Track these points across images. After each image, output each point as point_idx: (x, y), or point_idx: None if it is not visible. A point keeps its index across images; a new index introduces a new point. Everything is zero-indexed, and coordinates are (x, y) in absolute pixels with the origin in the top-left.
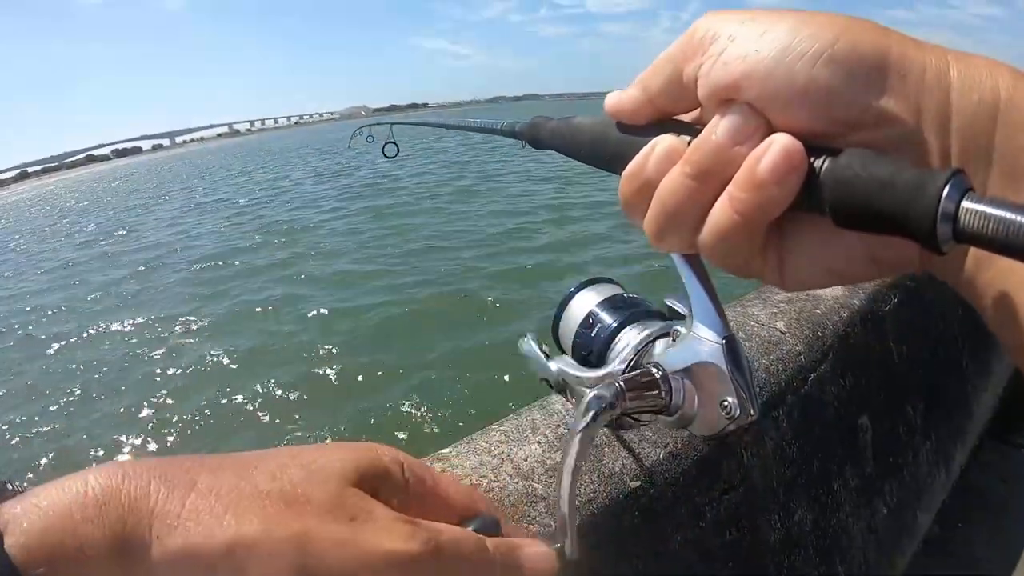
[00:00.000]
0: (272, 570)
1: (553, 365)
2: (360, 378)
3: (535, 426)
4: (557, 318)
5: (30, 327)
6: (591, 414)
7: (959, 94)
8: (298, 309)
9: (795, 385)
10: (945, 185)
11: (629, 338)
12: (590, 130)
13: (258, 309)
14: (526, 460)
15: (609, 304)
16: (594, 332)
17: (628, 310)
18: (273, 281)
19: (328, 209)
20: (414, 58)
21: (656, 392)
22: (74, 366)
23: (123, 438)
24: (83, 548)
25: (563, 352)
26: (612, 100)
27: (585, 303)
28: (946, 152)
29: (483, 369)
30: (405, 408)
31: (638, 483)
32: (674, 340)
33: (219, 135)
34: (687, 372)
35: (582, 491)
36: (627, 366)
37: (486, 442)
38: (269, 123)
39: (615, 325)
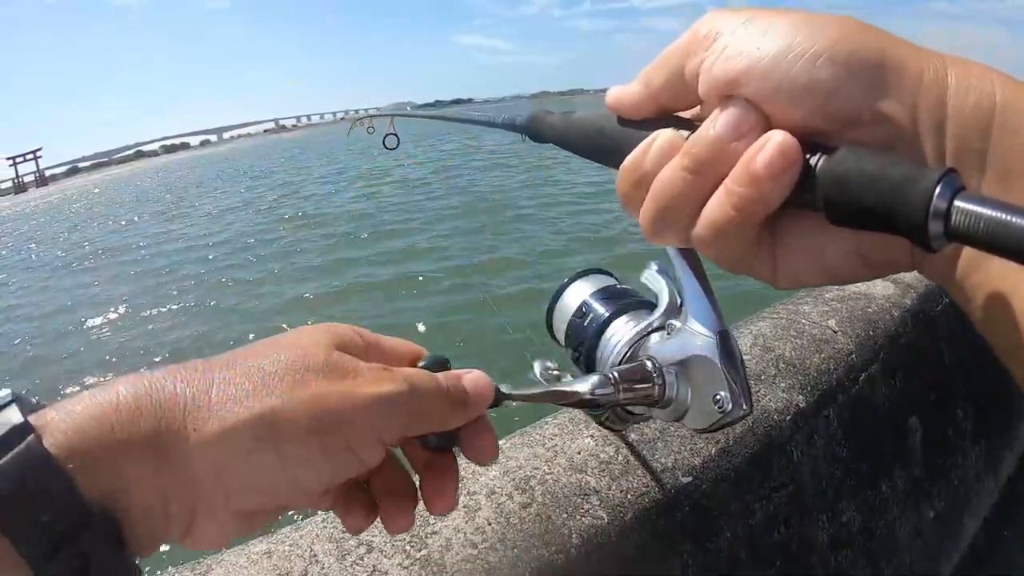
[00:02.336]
0: (296, 429)
1: (538, 366)
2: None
3: (588, 420)
4: (551, 308)
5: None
6: (583, 396)
7: (955, 97)
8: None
9: (846, 384)
10: (938, 183)
11: (621, 328)
12: (590, 124)
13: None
14: (579, 453)
15: (602, 294)
16: (586, 322)
17: (620, 300)
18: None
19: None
20: (456, 54)
21: (649, 384)
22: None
23: None
24: (120, 446)
25: (557, 341)
26: (614, 94)
27: (579, 293)
28: (941, 153)
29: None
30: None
31: (690, 479)
32: (669, 333)
33: (265, 131)
34: (681, 365)
35: (633, 486)
36: (622, 359)
37: (540, 435)
38: (315, 118)
39: (607, 315)
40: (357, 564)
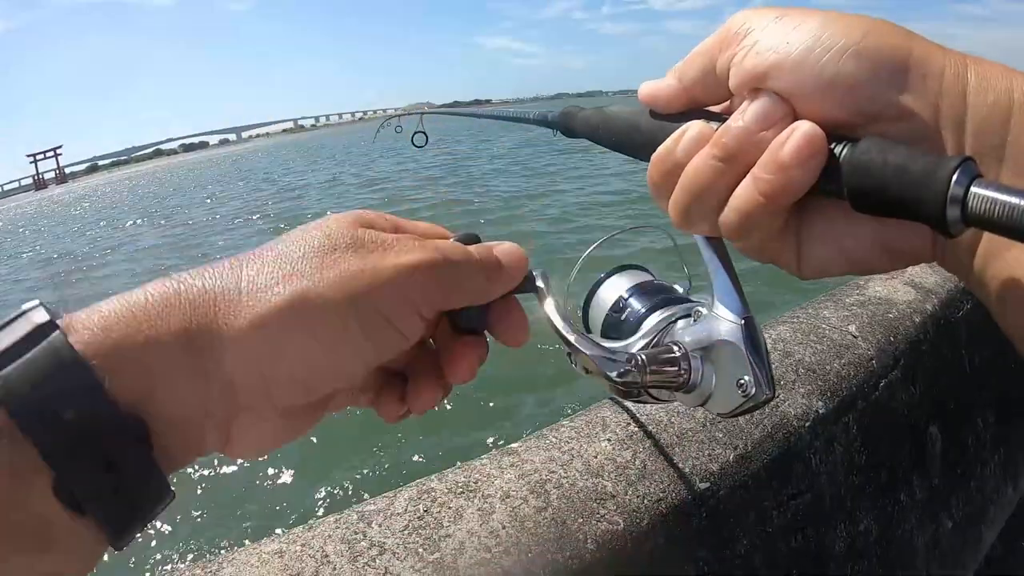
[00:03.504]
0: (329, 308)
1: (572, 337)
2: None
3: (605, 423)
4: (587, 303)
5: None
6: (608, 375)
7: (975, 95)
8: None
9: (866, 391)
10: (955, 171)
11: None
12: (623, 118)
13: None
14: (596, 457)
15: (639, 290)
16: (623, 316)
17: (658, 296)
18: None
19: None
20: (476, 56)
21: (676, 369)
22: None
23: None
24: (148, 340)
25: (588, 329)
26: (647, 88)
27: (615, 288)
28: (960, 148)
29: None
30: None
31: (707, 485)
32: (695, 320)
33: (284, 130)
34: (706, 351)
35: (650, 491)
36: (648, 342)
37: (556, 437)
38: (333, 119)
39: (644, 311)
40: (369, 565)
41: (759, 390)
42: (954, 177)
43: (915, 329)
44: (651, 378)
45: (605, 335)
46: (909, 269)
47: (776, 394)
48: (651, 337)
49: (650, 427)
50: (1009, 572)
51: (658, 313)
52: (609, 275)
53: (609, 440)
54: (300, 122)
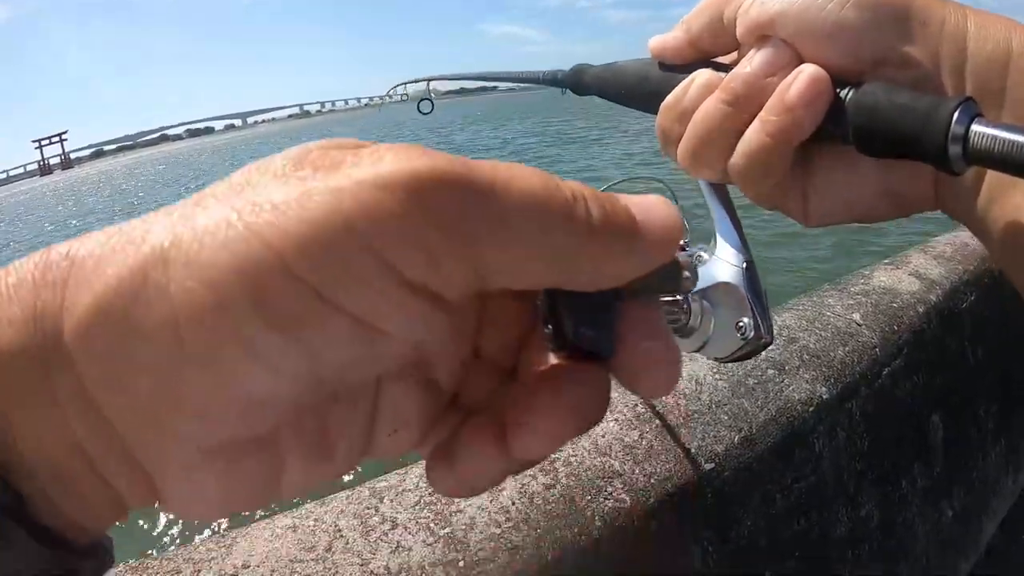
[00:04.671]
0: (189, 276)
1: None
2: None
3: (613, 403)
4: None
5: None
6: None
7: (975, 42)
8: None
9: (869, 378)
10: (955, 110)
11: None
12: (633, 72)
13: None
14: (604, 436)
15: None
16: None
17: None
18: None
19: None
20: (482, 43)
21: (676, 310)
22: None
23: None
24: None
25: None
26: (656, 41)
27: None
28: (961, 93)
29: None
30: None
31: (712, 465)
32: (696, 263)
33: (290, 116)
34: (705, 293)
35: (657, 471)
36: None
37: None
38: (340, 104)
39: None
40: (381, 540)
41: (757, 333)
42: (955, 116)
43: (919, 319)
44: None
45: None
46: (914, 260)
47: (773, 339)
48: None
49: (657, 408)
50: (1009, 563)
51: None
52: None
53: (616, 420)
54: (306, 108)
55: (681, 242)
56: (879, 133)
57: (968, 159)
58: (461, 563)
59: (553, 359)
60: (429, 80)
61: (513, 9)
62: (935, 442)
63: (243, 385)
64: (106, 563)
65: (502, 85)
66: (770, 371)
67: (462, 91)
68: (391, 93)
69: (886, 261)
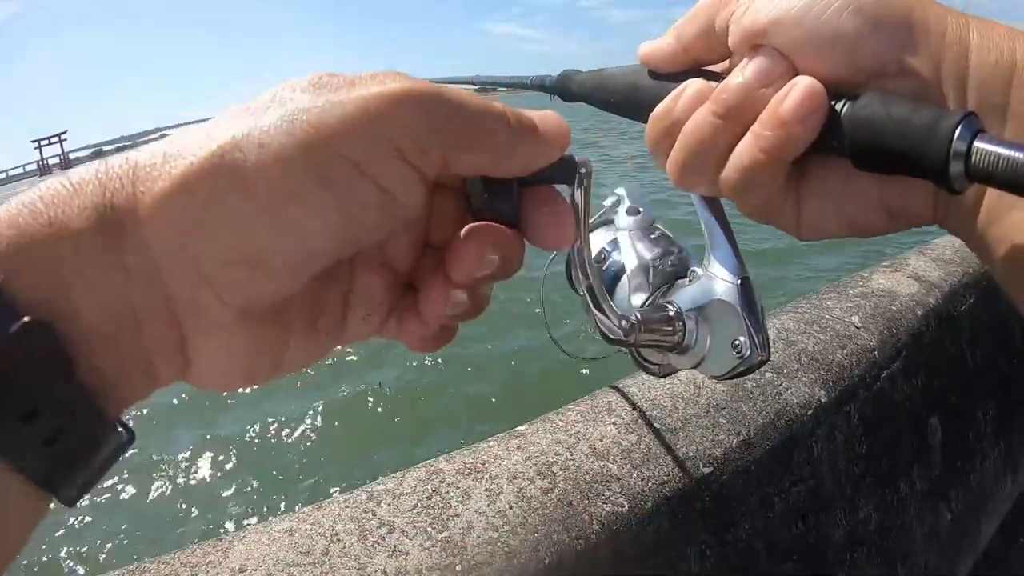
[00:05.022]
0: (267, 155)
1: (590, 278)
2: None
3: (611, 407)
4: (570, 255)
5: None
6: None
7: (977, 53)
8: None
9: (867, 381)
10: (958, 125)
11: (640, 275)
12: (621, 79)
13: None
14: (601, 440)
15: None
16: (605, 266)
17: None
18: None
19: None
20: (484, 43)
21: (670, 328)
22: None
23: None
24: (52, 224)
25: (575, 289)
26: (646, 48)
27: (597, 240)
28: (962, 106)
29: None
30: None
31: (710, 469)
32: (690, 280)
33: None
34: (701, 311)
35: (655, 474)
36: (643, 303)
37: (563, 421)
38: None
39: (623, 261)
40: (378, 544)
41: (754, 351)
42: (957, 131)
43: (917, 322)
44: (645, 336)
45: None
46: (913, 263)
47: (770, 356)
48: (646, 298)
49: (654, 412)
50: (1007, 566)
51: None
52: (592, 229)
53: (615, 424)
54: None
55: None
56: (876, 148)
57: (970, 177)
58: (458, 567)
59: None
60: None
61: (516, 6)
62: (933, 445)
63: (298, 234)
64: (128, 441)
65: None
66: (768, 374)
67: (493, 89)
68: None
69: (885, 263)
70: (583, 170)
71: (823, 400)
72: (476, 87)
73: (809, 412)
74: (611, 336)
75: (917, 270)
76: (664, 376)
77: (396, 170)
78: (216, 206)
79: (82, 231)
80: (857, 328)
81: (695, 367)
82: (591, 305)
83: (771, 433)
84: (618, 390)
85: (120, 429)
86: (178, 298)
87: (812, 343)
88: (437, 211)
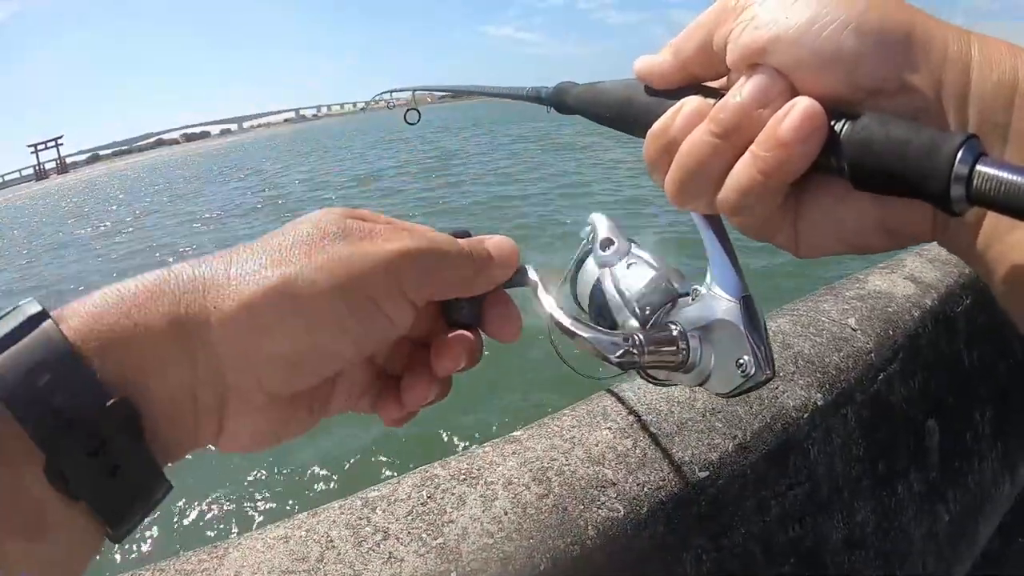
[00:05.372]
0: (317, 291)
1: (569, 323)
2: None
3: (606, 412)
4: (575, 272)
5: None
6: (606, 355)
7: (979, 72)
8: None
9: (864, 383)
10: (959, 148)
11: (644, 296)
12: (617, 93)
13: None
14: (597, 445)
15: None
16: (607, 297)
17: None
18: None
19: None
20: (482, 45)
21: (673, 348)
22: None
23: None
24: (138, 326)
25: (579, 305)
26: (642, 63)
27: (592, 271)
28: (964, 126)
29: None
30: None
31: (706, 473)
32: (693, 299)
33: (286, 120)
34: (704, 330)
35: (650, 479)
36: (646, 323)
37: (558, 426)
38: (335, 108)
39: (614, 295)
40: (373, 551)
41: (759, 370)
42: (959, 154)
43: (914, 323)
44: (649, 358)
45: (592, 303)
46: (909, 264)
47: (776, 373)
48: (649, 318)
49: (650, 416)
50: (1006, 567)
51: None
52: (581, 262)
53: (610, 429)
54: (302, 112)
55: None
56: (876, 169)
57: (971, 200)
58: (453, 574)
59: (447, 331)
60: (415, 89)
61: (514, 8)
62: (931, 447)
63: (331, 346)
64: (168, 491)
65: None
66: None
67: (456, 96)
68: (376, 99)
69: (881, 265)
70: (533, 277)
71: (819, 403)
72: (472, 94)
73: (805, 415)
74: (614, 359)
75: (913, 271)
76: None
77: (400, 304)
78: (275, 323)
79: (161, 332)
80: (854, 330)
81: (700, 385)
82: (589, 330)
83: (767, 436)
84: (614, 395)
85: (166, 480)
86: (231, 385)
87: (808, 346)
88: (418, 321)
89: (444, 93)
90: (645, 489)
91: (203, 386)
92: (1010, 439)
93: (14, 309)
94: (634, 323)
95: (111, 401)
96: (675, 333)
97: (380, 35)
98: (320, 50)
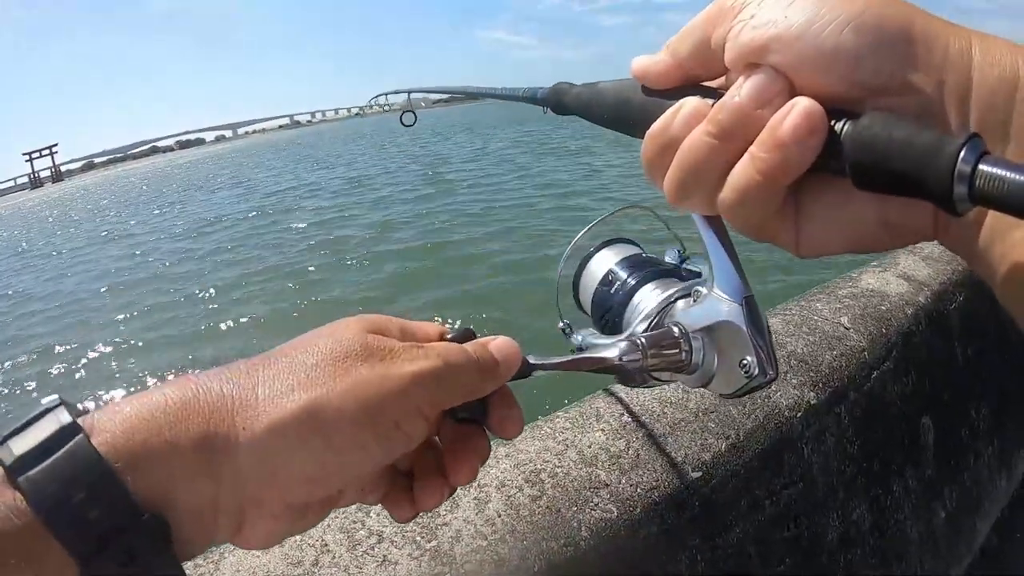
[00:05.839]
0: (343, 417)
1: (578, 338)
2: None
3: (599, 414)
4: (577, 276)
5: None
6: (611, 362)
7: (980, 70)
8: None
9: (858, 382)
10: (962, 147)
11: (647, 296)
12: (615, 94)
13: None
14: (590, 447)
15: (627, 263)
16: (612, 289)
17: (646, 268)
18: None
19: None
20: (474, 50)
21: (676, 351)
22: None
23: None
24: (169, 445)
25: (582, 309)
26: (640, 63)
27: (604, 262)
28: (965, 124)
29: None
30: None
31: (699, 474)
32: (695, 300)
33: (280, 126)
34: (707, 331)
35: (643, 480)
36: (648, 325)
37: (551, 428)
38: (330, 114)
39: (634, 283)
40: (367, 554)
41: (762, 371)
42: (961, 154)
43: (908, 321)
44: (652, 361)
45: (595, 306)
46: (902, 262)
47: (779, 373)
48: (651, 319)
49: (643, 417)
50: (1004, 563)
51: (650, 286)
52: (598, 249)
53: (603, 430)
54: (296, 118)
55: (641, 253)
56: (878, 169)
57: (974, 200)
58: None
59: (452, 430)
60: (410, 92)
61: (506, 12)
62: (926, 444)
63: (353, 466)
64: None
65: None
66: None
67: (451, 99)
68: (371, 103)
69: (874, 263)
70: (535, 362)
71: (813, 402)
72: (468, 96)
73: (799, 414)
74: (621, 364)
75: (906, 269)
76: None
77: (417, 422)
78: (301, 445)
79: (192, 450)
80: (846, 329)
81: (704, 386)
82: (597, 355)
83: (760, 436)
84: (607, 396)
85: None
86: (254, 498)
87: (801, 345)
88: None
89: (438, 98)
90: (638, 490)
91: (227, 497)
92: (1006, 435)
93: (44, 414)
94: (638, 327)
95: (144, 517)
96: (677, 334)
97: (374, 41)
98: (314, 56)
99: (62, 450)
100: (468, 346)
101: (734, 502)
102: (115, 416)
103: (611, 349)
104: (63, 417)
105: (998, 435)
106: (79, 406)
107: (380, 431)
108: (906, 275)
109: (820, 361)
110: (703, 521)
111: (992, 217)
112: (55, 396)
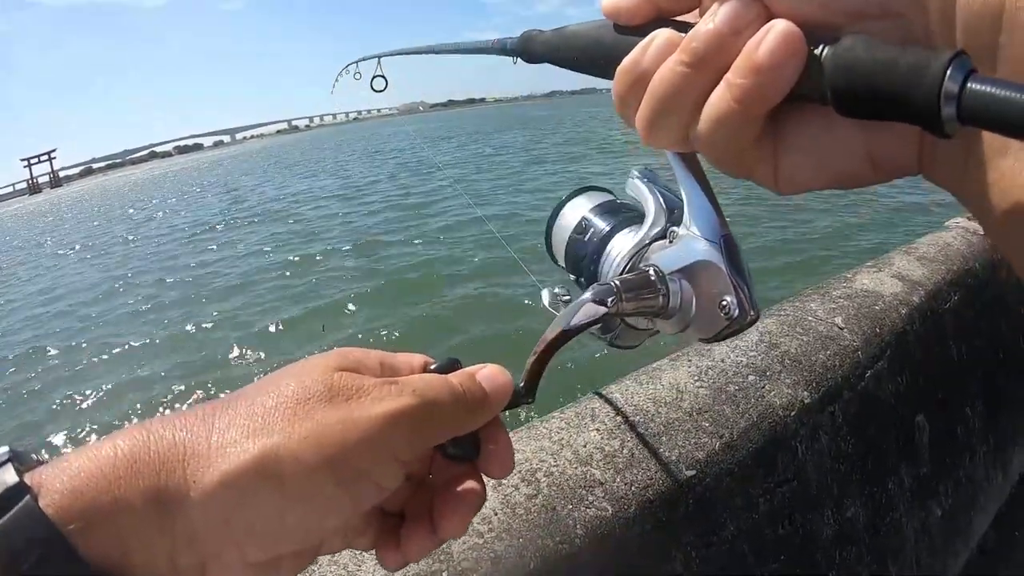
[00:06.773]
0: (300, 466)
1: (546, 295)
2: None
3: (594, 414)
4: (549, 227)
5: None
6: (581, 311)
7: None
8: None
9: (852, 381)
10: (948, 65)
11: (622, 241)
12: (585, 35)
13: None
14: (585, 447)
15: (601, 209)
16: (587, 237)
17: (620, 214)
18: None
19: None
20: (473, 56)
21: (653, 294)
22: None
23: None
24: (118, 502)
25: (556, 261)
26: (610, 1)
27: (577, 210)
28: (951, 47)
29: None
30: None
31: (693, 472)
32: (671, 241)
33: (278, 131)
34: (684, 272)
35: (638, 479)
36: (624, 269)
37: (546, 428)
38: (328, 119)
39: (608, 229)
40: (366, 552)
41: (742, 312)
42: (948, 72)
43: (901, 321)
44: (628, 305)
45: (569, 257)
46: (896, 262)
47: (759, 315)
48: (625, 264)
49: (638, 417)
50: (1004, 561)
51: (624, 232)
52: (570, 197)
53: (598, 430)
54: (294, 123)
55: (615, 199)
56: (861, 93)
57: (962, 120)
58: (445, 573)
59: (446, 466)
60: (380, 56)
61: (501, 16)
62: (921, 442)
63: (316, 519)
64: None
65: (489, 98)
66: (751, 377)
67: (450, 103)
68: (343, 72)
69: (868, 263)
70: (527, 400)
71: (806, 401)
72: (437, 54)
73: (792, 413)
74: (598, 309)
75: (900, 269)
76: (640, 343)
77: (388, 469)
78: (255, 498)
79: (142, 507)
80: (840, 329)
81: (682, 331)
82: (573, 312)
83: (754, 435)
84: (601, 396)
85: None
86: (211, 554)
87: (795, 345)
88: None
89: (436, 102)
90: (633, 488)
91: (184, 554)
92: (1001, 432)
93: None
94: (611, 271)
95: None
96: (653, 276)
97: (373, 46)
98: (310, 60)
99: (8, 514)
100: (453, 377)
101: (728, 500)
102: (63, 473)
103: (585, 295)
104: (8, 477)
105: (993, 433)
106: (32, 456)
107: (344, 480)
108: (900, 275)
109: (814, 361)
110: (697, 519)
111: (977, 146)
112: (4, 449)
